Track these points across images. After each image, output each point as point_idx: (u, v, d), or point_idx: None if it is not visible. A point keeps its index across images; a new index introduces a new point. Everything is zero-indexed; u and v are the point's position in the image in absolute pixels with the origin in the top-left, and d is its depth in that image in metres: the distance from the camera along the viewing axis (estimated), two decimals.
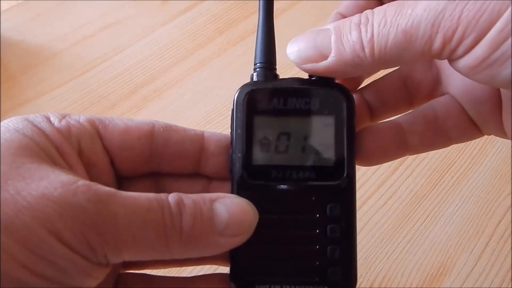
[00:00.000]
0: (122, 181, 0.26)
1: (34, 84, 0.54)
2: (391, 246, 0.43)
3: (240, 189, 0.25)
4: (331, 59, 0.23)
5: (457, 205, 0.45)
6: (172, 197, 0.22)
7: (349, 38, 0.22)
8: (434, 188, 0.46)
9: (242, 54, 0.57)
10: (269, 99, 0.25)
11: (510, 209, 0.45)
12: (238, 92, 0.25)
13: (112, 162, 0.25)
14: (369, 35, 0.21)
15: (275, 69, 0.26)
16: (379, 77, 0.29)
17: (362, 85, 0.29)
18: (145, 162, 0.26)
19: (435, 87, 0.28)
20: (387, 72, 0.29)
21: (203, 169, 0.26)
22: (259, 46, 0.26)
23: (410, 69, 0.28)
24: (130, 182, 0.27)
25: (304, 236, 0.25)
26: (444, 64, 0.27)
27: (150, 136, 0.25)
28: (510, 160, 0.48)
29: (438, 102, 0.27)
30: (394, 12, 0.21)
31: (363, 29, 0.22)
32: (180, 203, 0.21)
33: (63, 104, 0.53)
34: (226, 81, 0.55)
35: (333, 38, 0.23)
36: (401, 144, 0.27)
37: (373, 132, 0.27)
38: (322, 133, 0.25)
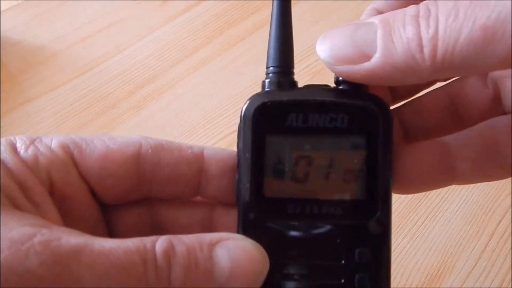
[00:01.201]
0: (109, 210, 0.23)
1: (34, 84, 0.54)
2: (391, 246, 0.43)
3: (247, 228, 0.20)
4: (375, 60, 0.18)
5: (457, 205, 0.45)
6: (160, 245, 0.17)
7: (402, 34, 0.17)
8: None
9: (242, 54, 0.57)
10: (285, 114, 0.20)
11: (510, 209, 0.45)
12: (246, 104, 0.21)
13: (93, 191, 0.22)
14: (431, 31, 0.16)
15: (293, 73, 0.22)
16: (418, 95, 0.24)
17: (397, 105, 0.24)
18: (132, 189, 0.22)
19: (493, 107, 0.23)
20: (430, 90, 0.24)
21: (203, 194, 0.22)
22: (272, 46, 0.21)
23: (461, 86, 0.23)
24: (119, 210, 0.23)
25: (326, 287, 0.20)
26: (505, 78, 0.22)
27: (136, 159, 0.21)
28: None
29: (499, 122, 0.22)
30: (470, 2, 0.16)
31: (422, 23, 0.17)
32: (169, 252, 0.17)
33: (63, 104, 0.53)
34: (226, 81, 0.55)
35: (379, 33, 0.18)
36: (447, 171, 0.22)
37: (413, 153, 0.22)
38: (351, 158, 0.20)
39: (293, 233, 0.20)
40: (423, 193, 0.46)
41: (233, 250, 0.18)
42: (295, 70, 0.22)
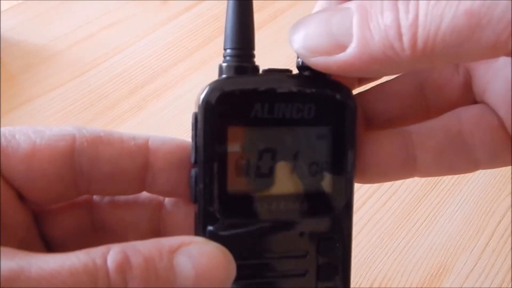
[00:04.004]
0: (42, 213, 0.20)
1: (34, 84, 0.54)
2: (391, 246, 0.43)
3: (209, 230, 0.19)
4: (351, 50, 0.16)
5: (457, 205, 0.45)
6: (113, 258, 0.15)
7: (380, 21, 0.15)
8: (434, 188, 0.46)
9: None
10: (250, 104, 0.19)
11: (510, 209, 0.45)
12: (205, 92, 0.19)
13: (21, 195, 0.19)
14: (411, 16, 0.15)
15: (253, 56, 0.20)
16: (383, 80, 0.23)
17: (360, 89, 0.23)
18: (67, 189, 0.19)
19: (463, 95, 0.22)
20: (397, 76, 0.23)
21: (150, 189, 0.20)
22: (230, 24, 0.19)
23: (431, 72, 0.22)
24: (53, 213, 0.20)
25: (292, 282, 0.20)
26: (477, 65, 0.21)
27: (69, 156, 0.18)
28: None
29: (466, 112, 0.21)
30: None
31: (401, 8, 0.15)
32: (124, 266, 0.15)
33: (63, 104, 0.52)
34: None
35: (355, 20, 0.16)
36: (407, 162, 0.21)
37: (371, 142, 0.21)
38: (316, 151, 0.20)
39: (258, 231, 0.20)
40: (423, 193, 0.46)
41: (196, 257, 0.16)
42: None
